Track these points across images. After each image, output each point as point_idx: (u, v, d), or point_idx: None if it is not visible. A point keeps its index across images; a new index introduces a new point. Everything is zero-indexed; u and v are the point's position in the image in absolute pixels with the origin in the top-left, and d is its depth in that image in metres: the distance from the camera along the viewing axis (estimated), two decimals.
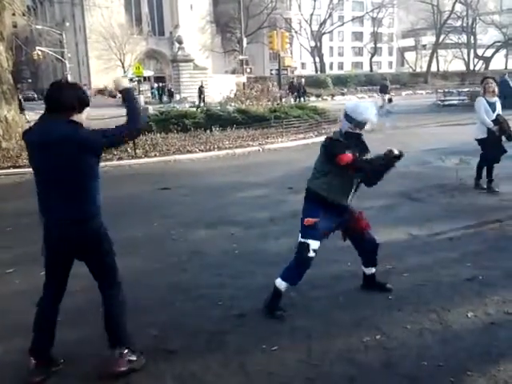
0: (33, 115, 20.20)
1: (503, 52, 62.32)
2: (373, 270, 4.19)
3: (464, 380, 2.97)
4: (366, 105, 3.75)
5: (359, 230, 3.98)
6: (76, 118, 2.91)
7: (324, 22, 61.41)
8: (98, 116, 18.70)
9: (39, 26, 50.36)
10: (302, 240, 3.74)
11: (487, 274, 4.47)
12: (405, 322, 3.67)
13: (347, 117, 3.71)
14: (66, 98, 2.87)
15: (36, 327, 3.14)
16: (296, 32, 61.35)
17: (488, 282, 4.31)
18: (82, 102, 2.95)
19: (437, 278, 4.44)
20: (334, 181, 3.70)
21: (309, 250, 3.68)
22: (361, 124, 3.68)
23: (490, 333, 3.49)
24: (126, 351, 3.13)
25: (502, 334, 3.46)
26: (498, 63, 59.26)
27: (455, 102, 26.68)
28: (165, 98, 40.19)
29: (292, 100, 27.12)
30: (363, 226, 3.98)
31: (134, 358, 3.15)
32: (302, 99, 29.75)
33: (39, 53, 45.58)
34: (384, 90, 24.61)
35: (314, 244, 3.70)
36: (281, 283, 3.83)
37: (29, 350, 3.12)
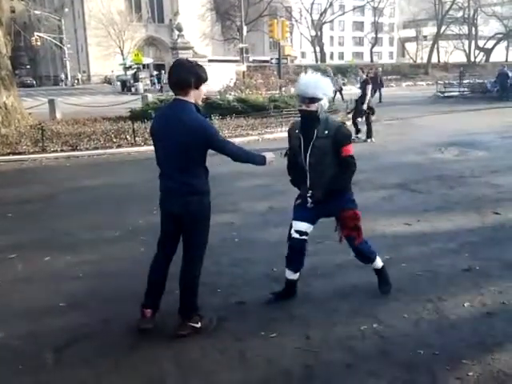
0: (31, 102, 20.14)
1: (504, 44, 62.09)
2: (373, 265, 4.01)
3: (459, 368, 3.01)
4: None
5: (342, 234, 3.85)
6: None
7: (325, 11, 61.01)
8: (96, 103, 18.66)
9: (38, 12, 50.00)
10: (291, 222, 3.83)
11: (484, 264, 4.51)
12: (402, 312, 3.71)
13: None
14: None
15: (150, 280, 3.51)
16: (296, 21, 60.86)
17: (485, 272, 4.36)
18: None
19: (434, 268, 4.48)
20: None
21: (291, 229, 3.74)
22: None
23: (486, 322, 3.53)
24: (189, 320, 3.42)
25: (497, 324, 3.50)
26: (498, 55, 59.05)
27: (455, 93, 26.68)
28: (156, 86, 39.04)
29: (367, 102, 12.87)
30: (344, 233, 3.82)
31: (198, 325, 3.43)
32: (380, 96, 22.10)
33: (38, 38, 45.37)
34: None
35: (295, 224, 3.74)
36: (285, 269, 3.87)
37: (141, 304, 3.46)
